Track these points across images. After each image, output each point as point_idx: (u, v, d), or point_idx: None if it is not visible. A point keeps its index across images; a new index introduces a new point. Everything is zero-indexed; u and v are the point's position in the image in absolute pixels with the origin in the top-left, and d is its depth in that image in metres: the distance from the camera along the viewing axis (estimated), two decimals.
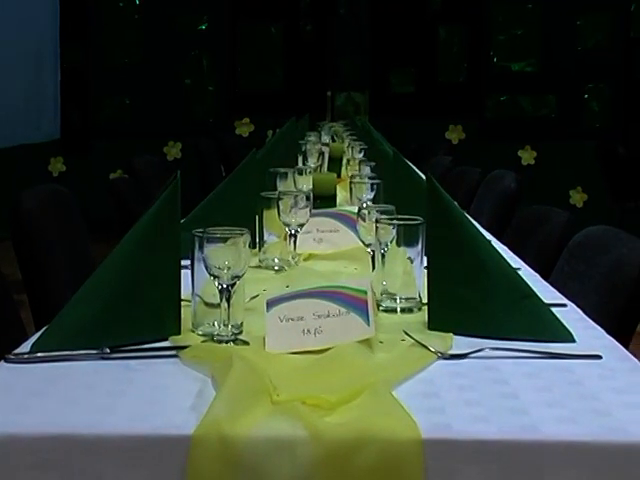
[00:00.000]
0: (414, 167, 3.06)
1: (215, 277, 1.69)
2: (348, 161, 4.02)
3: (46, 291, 2.73)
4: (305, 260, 2.46)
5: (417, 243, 1.96)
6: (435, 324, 1.80)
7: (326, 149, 4.37)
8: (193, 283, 1.79)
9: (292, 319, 1.69)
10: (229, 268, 1.68)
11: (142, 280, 1.73)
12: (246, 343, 1.69)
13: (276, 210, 2.38)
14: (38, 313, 2.67)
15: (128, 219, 3.79)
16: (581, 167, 8.19)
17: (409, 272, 1.98)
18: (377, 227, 2.00)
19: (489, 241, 1.93)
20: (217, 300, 1.72)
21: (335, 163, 4.13)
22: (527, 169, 8.10)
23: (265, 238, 2.46)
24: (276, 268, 2.37)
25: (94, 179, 7.80)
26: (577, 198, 8.29)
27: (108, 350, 1.63)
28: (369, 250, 2.14)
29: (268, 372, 1.47)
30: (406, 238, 1.97)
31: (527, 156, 8.40)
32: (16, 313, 2.36)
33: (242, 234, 1.70)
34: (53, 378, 1.53)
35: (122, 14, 8.56)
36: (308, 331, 1.67)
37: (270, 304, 1.73)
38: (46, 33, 8.44)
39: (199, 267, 1.75)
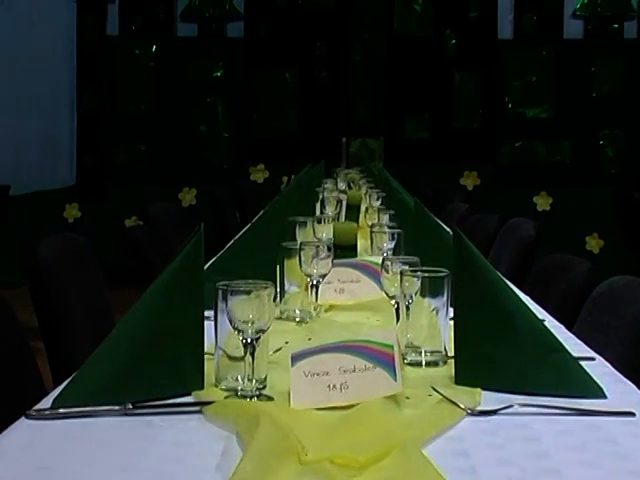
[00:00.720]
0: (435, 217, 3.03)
1: (239, 331, 1.66)
2: (367, 209, 3.99)
3: (62, 339, 2.71)
4: (326, 311, 2.43)
5: (442, 295, 1.93)
6: (462, 379, 1.77)
7: (344, 197, 4.36)
8: (216, 336, 1.76)
9: (317, 374, 1.66)
10: (253, 322, 1.66)
11: (165, 334, 1.70)
12: (270, 398, 1.66)
13: (297, 260, 2.36)
14: (54, 360, 2.66)
15: (145, 266, 3.79)
16: (597, 213, 8.16)
17: (434, 325, 1.95)
18: (402, 279, 1.97)
19: (516, 293, 1.90)
20: (240, 353, 1.70)
21: (353, 211, 4.11)
22: (542, 215, 8.07)
23: (286, 288, 2.43)
24: (297, 319, 2.34)
25: (109, 225, 7.81)
26: (593, 244, 8.25)
27: (130, 406, 1.60)
28: (393, 302, 2.11)
29: (294, 430, 1.44)
30: (431, 290, 1.94)
31: (542, 202, 8.38)
32: (32, 361, 2.34)
33: (266, 287, 1.68)
34: (74, 435, 1.50)
35: (138, 61, 8.61)
36: (334, 386, 1.64)
37: (295, 358, 1.70)
38: (62, 79, 8.49)
39: (222, 320, 1.73)
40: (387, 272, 2.12)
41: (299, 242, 2.50)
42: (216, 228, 6.11)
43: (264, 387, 1.71)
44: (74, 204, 8.56)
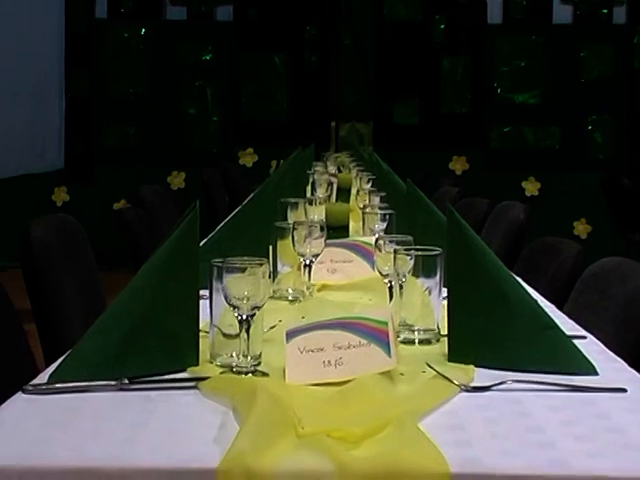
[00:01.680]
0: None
1: (235, 307, 1.67)
2: (358, 191, 4.00)
3: (55, 320, 2.71)
4: (319, 290, 2.44)
5: (435, 274, 1.94)
6: (456, 356, 1.78)
7: (334, 179, 4.37)
8: (211, 313, 1.77)
9: (312, 350, 1.67)
10: (248, 299, 1.67)
11: (161, 311, 1.71)
12: (265, 374, 1.68)
13: (290, 240, 2.37)
14: (47, 342, 2.66)
15: (134, 249, 3.79)
16: (585, 198, 8.19)
17: (427, 303, 1.96)
18: (395, 258, 1.99)
19: (509, 272, 1.91)
20: (235, 331, 1.71)
21: (344, 193, 4.13)
22: (531, 200, 8.09)
23: (279, 268, 2.44)
24: (290, 298, 2.35)
25: (98, 209, 7.80)
26: (581, 229, 8.27)
27: (127, 381, 1.61)
28: (386, 281, 2.12)
29: (291, 404, 1.45)
30: (424, 269, 1.95)
31: (531, 187, 8.40)
32: (26, 342, 2.34)
33: (261, 264, 1.69)
34: (72, 410, 1.51)
35: (127, 44, 8.58)
36: (329, 362, 1.65)
37: (289, 335, 1.71)
38: (50, 62, 8.46)
39: (217, 297, 1.74)
40: (380, 251, 2.14)
41: (292, 222, 2.51)
42: (206, 211, 6.11)
43: (259, 363, 1.72)
44: (63, 187, 8.54)
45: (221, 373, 1.70)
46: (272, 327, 1.93)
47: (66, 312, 2.74)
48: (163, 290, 1.73)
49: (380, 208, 3.05)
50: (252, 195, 2.73)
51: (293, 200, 3.06)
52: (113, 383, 1.60)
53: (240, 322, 1.68)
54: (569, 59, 8.43)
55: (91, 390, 1.59)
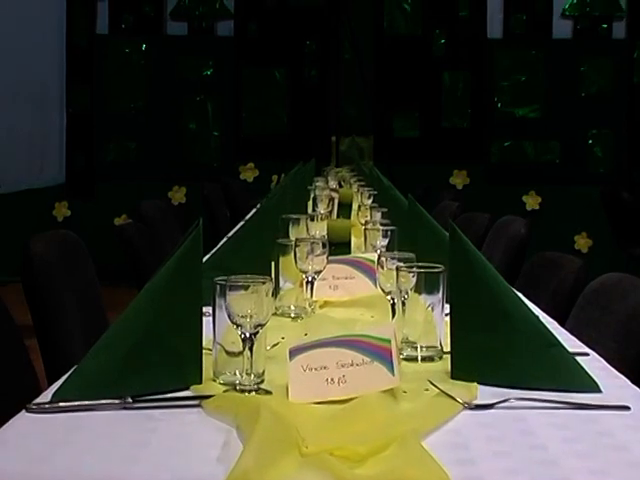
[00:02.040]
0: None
1: (238, 326, 1.67)
2: (359, 207, 4.01)
3: (56, 335, 2.71)
4: (321, 307, 2.44)
5: (438, 291, 1.95)
6: (459, 373, 1.79)
7: (336, 195, 4.37)
8: (214, 331, 1.77)
9: (315, 368, 1.67)
10: (252, 316, 1.67)
11: (164, 328, 1.71)
12: (269, 392, 1.68)
13: (292, 257, 2.37)
14: (48, 357, 2.66)
15: (135, 264, 3.79)
16: (585, 212, 8.19)
17: (430, 320, 1.96)
18: (397, 275, 1.99)
19: (511, 288, 1.91)
20: (238, 348, 1.71)
21: (345, 209, 4.13)
22: (531, 214, 8.09)
23: (281, 285, 2.45)
24: (292, 315, 2.35)
25: (99, 224, 7.80)
26: (582, 244, 8.27)
27: (130, 399, 1.61)
28: (389, 298, 2.13)
29: (294, 423, 1.45)
30: (427, 286, 1.95)
31: (531, 201, 8.40)
32: (27, 357, 2.34)
33: (264, 282, 1.69)
34: (75, 428, 1.51)
35: (128, 59, 8.60)
36: (332, 380, 1.65)
37: (292, 353, 1.71)
38: (51, 77, 8.48)
39: (220, 315, 1.74)
40: (382, 268, 2.14)
41: (294, 239, 2.52)
42: (207, 226, 6.10)
43: (262, 381, 1.72)
44: (64, 202, 8.55)
45: (224, 391, 1.70)
46: (275, 345, 1.93)
47: (67, 327, 2.74)
48: (166, 308, 1.73)
49: (382, 224, 3.05)
50: (254, 210, 2.72)
51: (295, 216, 3.06)
52: (117, 402, 1.60)
53: (243, 340, 1.68)
54: (569, 73, 8.44)
55: (94, 409, 1.59)
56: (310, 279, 2.36)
